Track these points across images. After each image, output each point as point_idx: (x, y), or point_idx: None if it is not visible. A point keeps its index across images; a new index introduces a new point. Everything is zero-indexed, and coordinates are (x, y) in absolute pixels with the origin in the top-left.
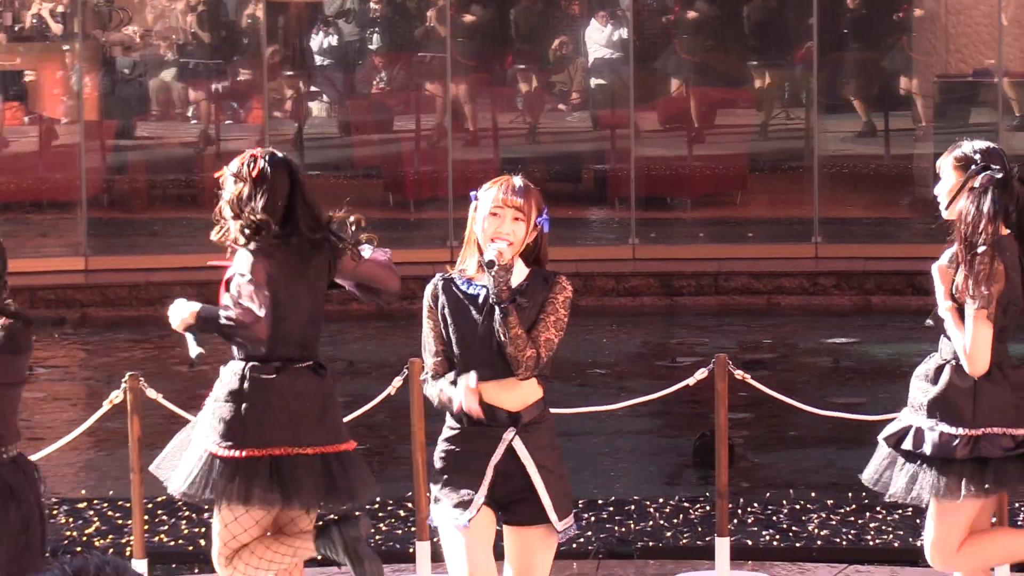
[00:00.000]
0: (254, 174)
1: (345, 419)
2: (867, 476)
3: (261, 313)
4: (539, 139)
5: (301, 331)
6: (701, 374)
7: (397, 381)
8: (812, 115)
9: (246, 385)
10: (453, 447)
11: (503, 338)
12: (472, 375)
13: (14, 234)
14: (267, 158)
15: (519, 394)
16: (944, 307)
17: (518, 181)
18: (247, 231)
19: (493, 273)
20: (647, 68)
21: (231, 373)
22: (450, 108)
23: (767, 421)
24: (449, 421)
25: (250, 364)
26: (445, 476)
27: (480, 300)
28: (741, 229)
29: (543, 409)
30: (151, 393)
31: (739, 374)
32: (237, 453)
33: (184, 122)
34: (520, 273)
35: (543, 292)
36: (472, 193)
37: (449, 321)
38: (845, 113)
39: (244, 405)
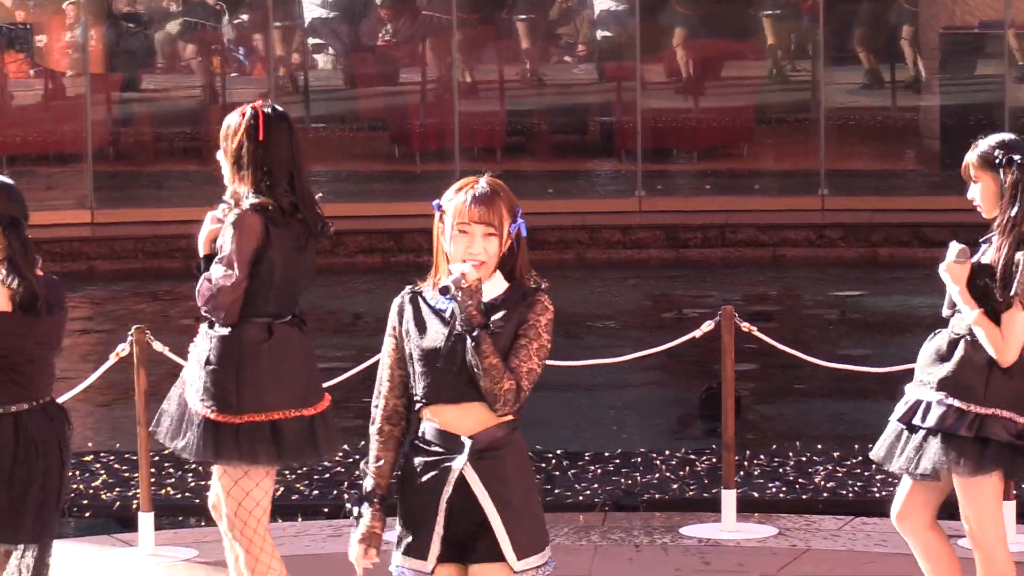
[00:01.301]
0: (257, 125)
1: (350, 373)
2: (875, 452)
3: (229, 293)
4: (545, 91)
5: (291, 292)
6: (707, 326)
7: None
8: (818, 67)
9: (240, 351)
10: (407, 484)
11: (476, 370)
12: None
13: (20, 187)
14: (268, 110)
15: (482, 419)
16: (973, 316)
17: (483, 187)
18: (258, 191)
19: (457, 299)
20: (653, 20)
21: (221, 336)
22: (456, 60)
23: (773, 373)
24: (406, 451)
25: (241, 327)
26: (401, 519)
27: (447, 314)
28: (747, 181)
29: (508, 432)
30: (157, 346)
31: (745, 326)
32: (237, 419)
33: (189, 75)
34: (497, 287)
35: (521, 311)
36: (435, 203)
37: (411, 336)
38: (852, 65)
39: (240, 372)
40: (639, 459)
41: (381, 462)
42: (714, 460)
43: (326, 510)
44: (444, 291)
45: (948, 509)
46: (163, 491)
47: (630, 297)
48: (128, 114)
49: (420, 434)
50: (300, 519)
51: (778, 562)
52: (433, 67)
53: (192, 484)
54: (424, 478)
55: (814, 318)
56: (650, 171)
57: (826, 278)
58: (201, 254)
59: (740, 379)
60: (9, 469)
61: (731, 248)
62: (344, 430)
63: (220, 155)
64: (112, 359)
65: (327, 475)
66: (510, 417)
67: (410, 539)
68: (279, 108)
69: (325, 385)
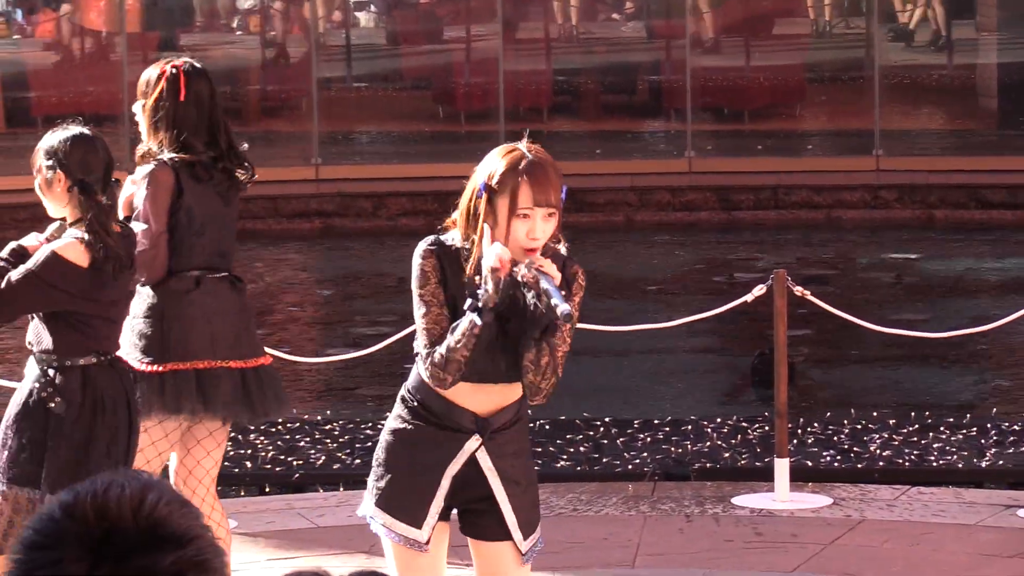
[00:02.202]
0: (178, 84)
1: (393, 338)
2: None
3: (147, 250)
4: (592, 49)
5: (219, 244)
6: (760, 290)
7: None
8: (872, 23)
9: (165, 301)
10: (404, 446)
11: (529, 364)
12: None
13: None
14: (188, 68)
15: (496, 400)
16: None
17: (534, 162)
18: (173, 144)
19: (535, 294)
20: None
21: (149, 290)
22: (501, 17)
23: (827, 338)
24: (400, 410)
25: (167, 279)
26: (390, 477)
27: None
28: (800, 141)
29: (519, 410)
30: None
31: (799, 290)
32: (160, 367)
33: (228, 33)
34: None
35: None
36: (481, 183)
37: (451, 299)
38: (907, 21)
39: (165, 321)
40: (690, 427)
41: None
42: (767, 428)
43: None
44: (530, 287)
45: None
46: None
47: (680, 260)
48: None
49: (420, 395)
50: (342, 489)
51: (832, 533)
52: (478, 24)
53: (231, 452)
54: (428, 449)
55: (869, 281)
56: (700, 131)
57: (881, 240)
58: (120, 216)
59: (793, 344)
60: (74, 421)
61: (784, 210)
62: (388, 397)
63: (137, 108)
64: None
65: (369, 444)
66: (519, 395)
67: (399, 501)
68: (198, 65)
69: (370, 350)
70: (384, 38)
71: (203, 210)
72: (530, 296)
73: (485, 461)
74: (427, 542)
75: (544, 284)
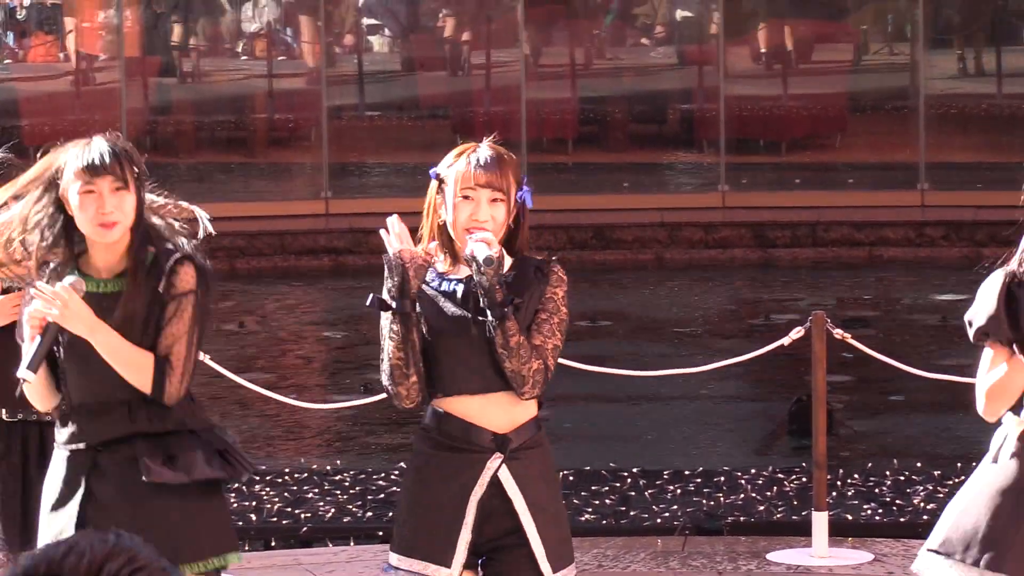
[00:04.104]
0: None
1: None
2: None
3: None
4: (620, 77)
5: None
6: (797, 333)
7: None
8: (917, 50)
9: None
10: (424, 478)
11: (501, 351)
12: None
13: None
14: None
15: (509, 412)
16: None
17: (487, 151)
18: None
19: (485, 271)
20: None
21: None
22: (524, 42)
23: (869, 384)
24: (417, 446)
25: None
26: (412, 516)
27: (459, 296)
28: (841, 175)
29: (537, 431)
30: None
31: (838, 333)
32: None
33: (233, 58)
34: (504, 263)
35: (538, 285)
36: (432, 171)
37: (424, 325)
38: (954, 47)
39: None
40: (722, 478)
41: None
42: (804, 479)
43: (380, 533)
44: (488, 262)
45: None
46: None
47: (713, 301)
48: (166, 101)
49: (435, 425)
50: (352, 543)
51: None
52: (499, 49)
53: (235, 504)
54: (448, 475)
55: (913, 324)
56: (735, 163)
57: (927, 280)
58: None
59: (833, 391)
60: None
61: (823, 248)
62: (401, 446)
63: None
64: None
65: (381, 495)
66: (535, 413)
67: (423, 541)
68: None
69: (383, 396)
70: (399, 64)
71: None
72: (475, 277)
73: (509, 483)
74: None
75: (473, 252)
